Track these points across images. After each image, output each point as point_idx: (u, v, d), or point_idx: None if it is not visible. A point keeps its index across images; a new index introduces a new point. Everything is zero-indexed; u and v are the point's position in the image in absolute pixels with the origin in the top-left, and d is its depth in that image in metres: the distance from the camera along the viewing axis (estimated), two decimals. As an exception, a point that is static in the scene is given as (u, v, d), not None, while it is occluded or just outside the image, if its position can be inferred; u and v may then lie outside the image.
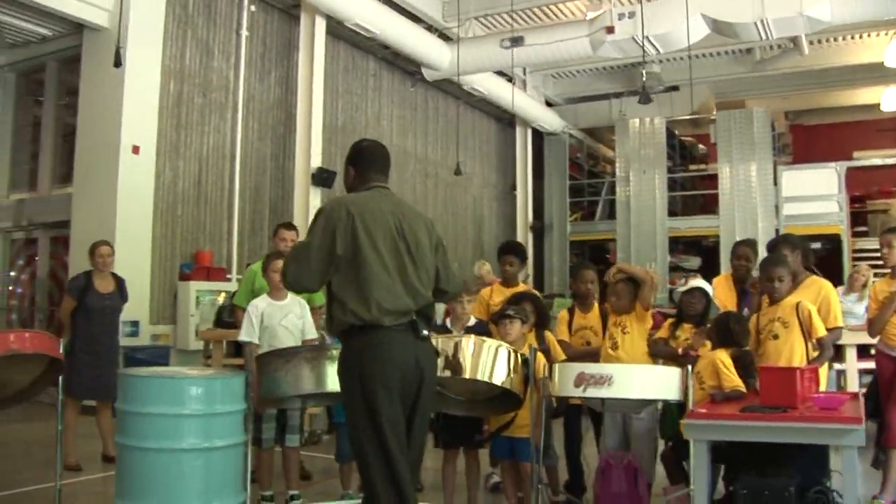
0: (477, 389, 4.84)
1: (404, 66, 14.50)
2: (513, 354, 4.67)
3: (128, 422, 4.37)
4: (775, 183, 15.86)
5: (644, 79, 9.54)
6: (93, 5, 10.01)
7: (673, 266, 16.67)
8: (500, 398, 4.84)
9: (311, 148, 12.00)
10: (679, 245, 17.34)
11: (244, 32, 11.46)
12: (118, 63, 7.39)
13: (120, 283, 7.26)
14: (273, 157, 12.14)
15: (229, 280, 10.91)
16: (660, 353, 5.23)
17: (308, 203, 11.89)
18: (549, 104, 18.44)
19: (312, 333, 5.69)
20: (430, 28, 13.89)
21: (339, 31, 12.73)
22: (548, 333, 5.61)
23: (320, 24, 12.05)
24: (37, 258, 11.39)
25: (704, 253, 17.21)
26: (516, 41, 12.45)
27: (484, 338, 4.80)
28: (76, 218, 10.20)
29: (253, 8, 11.55)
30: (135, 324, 9.81)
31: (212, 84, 11.15)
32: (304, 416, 6.81)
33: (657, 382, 4.38)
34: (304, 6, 11.93)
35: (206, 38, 11.07)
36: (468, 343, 4.65)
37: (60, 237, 10.69)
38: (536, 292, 6.28)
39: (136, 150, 9.95)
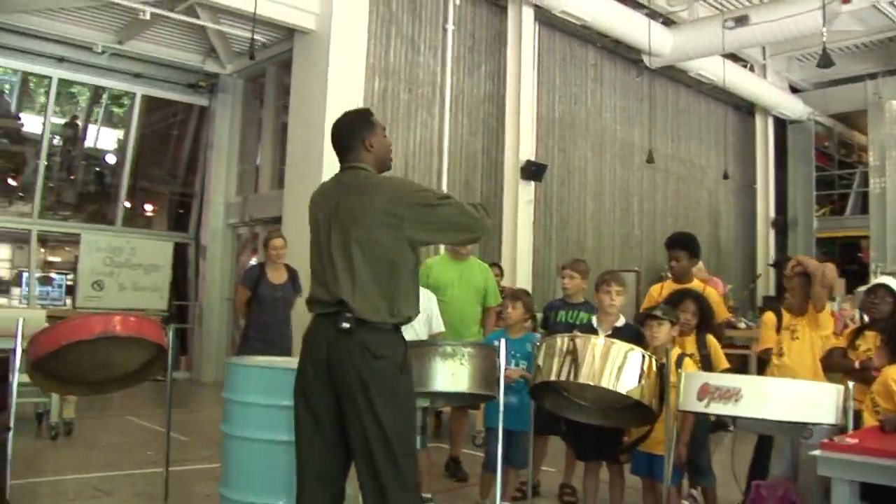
0: (608, 397, 4.22)
1: (627, 54, 13.71)
2: (647, 360, 4.01)
3: (228, 410, 4.23)
4: None
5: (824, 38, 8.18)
6: (301, 10, 10.26)
7: (936, 268, 14.55)
8: (636, 408, 4.19)
9: (521, 141, 11.61)
10: (949, 245, 15.12)
11: (450, 27, 11.28)
12: (252, 56, 7.39)
13: (293, 274, 7.27)
14: (485, 151, 11.86)
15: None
16: (834, 365, 4.33)
17: (517, 197, 11.52)
18: (795, 90, 16.83)
19: (440, 327, 5.33)
20: (652, 13, 13.08)
21: (553, 21, 12.27)
22: (710, 338, 4.86)
23: (528, 14, 11.67)
24: (257, 251, 11.91)
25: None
26: (741, 20, 11.35)
27: (614, 340, 4.18)
28: (286, 213, 10.45)
29: (458, 2, 11.34)
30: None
31: (418, 80, 11.07)
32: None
33: (803, 401, 3.48)
34: (510, -4, 11.59)
35: (412, 34, 11.01)
36: (594, 344, 4.05)
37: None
38: (702, 290, 5.49)
39: (343, 147, 10.05)
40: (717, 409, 3.48)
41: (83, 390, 4.47)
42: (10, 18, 10.42)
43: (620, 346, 4.03)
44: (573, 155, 13.20)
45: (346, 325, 3.18)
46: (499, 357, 4.42)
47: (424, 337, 5.15)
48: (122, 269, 11.14)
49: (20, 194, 14.43)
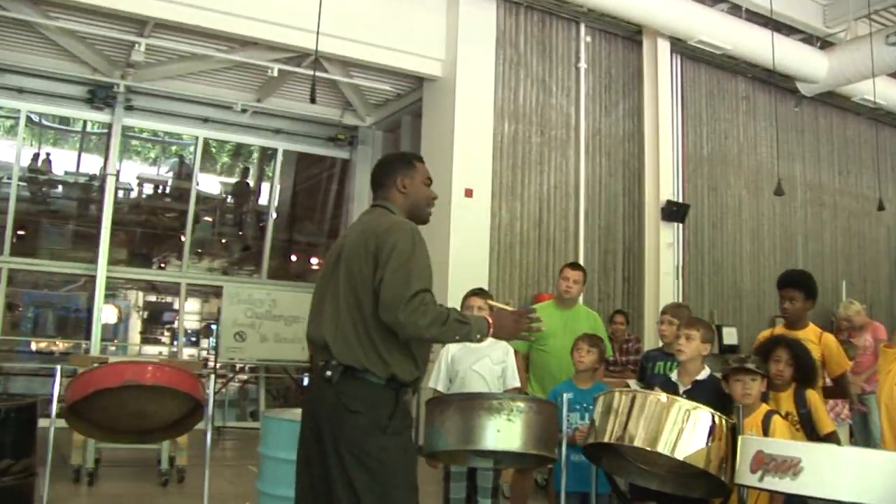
0: (674, 462, 3.71)
1: (781, 83, 12.75)
2: (718, 420, 3.50)
3: (262, 466, 4.05)
4: None
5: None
6: (427, 58, 10.32)
7: None
8: (708, 475, 3.65)
9: (661, 180, 11.00)
10: None
11: (583, 66, 10.92)
12: (313, 99, 7.32)
13: None
14: (627, 193, 11.32)
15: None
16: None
17: (658, 240, 10.90)
18: None
19: (514, 382, 4.95)
20: (809, 38, 12.18)
21: (696, 54, 11.65)
22: (812, 394, 4.20)
23: (664, 47, 11.11)
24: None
25: None
26: (904, 35, 10.29)
27: (677, 397, 3.69)
28: None
29: (588, 39, 10.96)
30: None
31: (550, 121, 10.75)
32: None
33: (887, 476, 2.84)
34: (644, 30, 11.07)
35: (542, 75, 10.73)
36: (655, 401, 3.59)
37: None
38: (818, 336, 4.81)
39: (468, 193, 9.89)
40: (773, 484, 2.89)
41: (122, 438, 4.44)
42: (156, 84, 11.04)
43: (682, 405, 3.54)
44: (726, 194, 12.39)
45: (329, 373, 2.98)
46: (561, 413, 4.05)
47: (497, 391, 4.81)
48: (263, 321, 11.38)
49: (199, 251, 15.32)
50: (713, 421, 3.48)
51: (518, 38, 10.58)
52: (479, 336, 3.07)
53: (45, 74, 10.62)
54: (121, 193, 15.27)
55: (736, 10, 11.37)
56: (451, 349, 4.88)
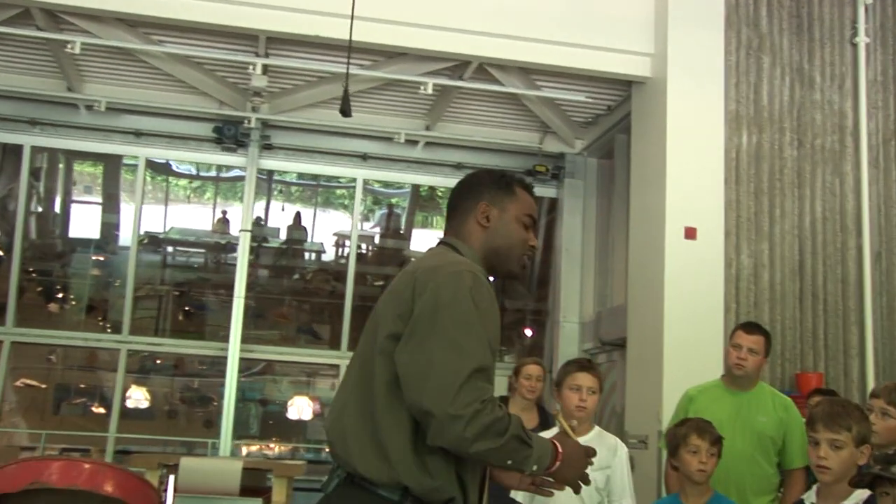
0: None
1: None
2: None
3: None
4: None
5: None
6: (631, 53, 8.42)
7: None
8: None
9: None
10: None
11: (862, 40, 8.31)
12: (345, 111, 5.98)
13: (545, 417, 6.31)
14: (945, 225, 8.52)
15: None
16: None
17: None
18: None
19: (626, 498, 4.19)
20: None
21: None
22: None
23: None
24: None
25: None
26: None
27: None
28: (631, 327, 8.51)
29: (870, 0, 8.33)
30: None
31: (813, 126, 8.24)
32: None
33: None
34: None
35: (798, 60, 8.27)
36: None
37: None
38: None
39: (690, 233, 7.84)
40: None
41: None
42: (296, 115, 9.82)
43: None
44: None
45: (333, 481, 2.49)
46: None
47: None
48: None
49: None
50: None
51: (759, 13, 8.23)
52: (535, 468, 2.43)
53: (164, 112, 9.77)
54: (311, 256, 14.39)
55: None
56: None
